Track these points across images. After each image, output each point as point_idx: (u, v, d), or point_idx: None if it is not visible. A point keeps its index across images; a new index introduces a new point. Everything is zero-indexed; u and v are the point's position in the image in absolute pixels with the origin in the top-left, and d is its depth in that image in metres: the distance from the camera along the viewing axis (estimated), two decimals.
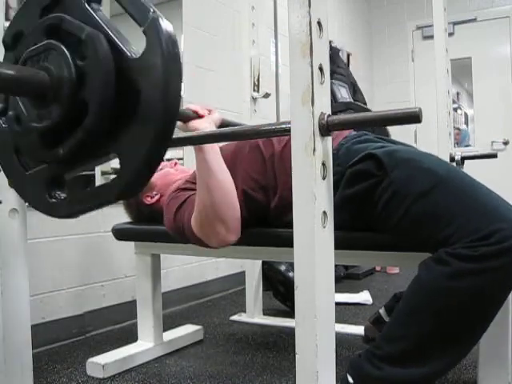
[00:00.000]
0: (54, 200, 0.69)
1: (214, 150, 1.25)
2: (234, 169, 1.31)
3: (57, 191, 0.70)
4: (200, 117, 1.32)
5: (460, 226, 1.00)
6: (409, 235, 1.11)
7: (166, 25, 0.61)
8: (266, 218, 1.39)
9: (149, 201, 1.59)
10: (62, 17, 0.66)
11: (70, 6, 0.68)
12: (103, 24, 0.64)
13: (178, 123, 1.30)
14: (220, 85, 2.75)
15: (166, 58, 0.60)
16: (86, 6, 0.66)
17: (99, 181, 2.21)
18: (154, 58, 0.60)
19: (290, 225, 0.76)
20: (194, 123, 1.29)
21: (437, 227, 1.03)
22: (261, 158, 1.35)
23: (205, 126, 1.29)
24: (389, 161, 1.12)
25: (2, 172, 0.79)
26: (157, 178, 1.60)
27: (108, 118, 0.62)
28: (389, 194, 1.11)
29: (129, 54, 0.63)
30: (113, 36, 0.64)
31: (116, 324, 2.09)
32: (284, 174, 1.30)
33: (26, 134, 0.69)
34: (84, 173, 2.36)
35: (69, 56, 0.63)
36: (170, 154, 2.38)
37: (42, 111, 0.66)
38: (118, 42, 0.63)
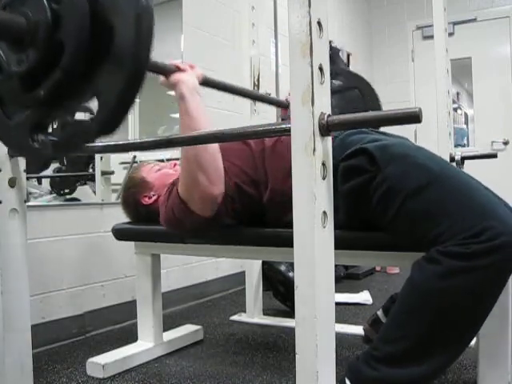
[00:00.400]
0: (37, 144, 0.71)
1: (195, 100, 1.27)
2: (226, 160, 1.33)
3: (40, 135, 0.72)
4: (181, 71, 1.32)
5: (451, 223, 1.00)
6: (404, 232, 1.11)
7: None
8: (263, 215, 1.40)
9: (147, 201, 1.59)
10: None
11: None
12: None
13: (161, 78, 1.31)
14: None
15: None
16: None
17: (99, 180, 2.21)
18: None
19: (289, 225, 0.76)
20: (176, 75, 1.29)
21: (429, 225, 1.03)
22: (250, 153, 1.38)
23: (187, 78, 1.30)
24: (381, 156, 1.12)
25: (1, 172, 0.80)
26: (155, 178, 1.61)
27: (83, 58, 0.64)
28: (383, 189, 1.11)
29: None
30: None
31: (116, 324, 2.09)
32: (275, 169, 1.32)
33: (6, 80, 0.71)
34: (84, 173, 2.36)
35: (44, 0, 0.65)
36: (170, 153, 2.38)
37: (21, 55, 0.68)
38: None
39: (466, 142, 4.88)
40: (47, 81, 0.66)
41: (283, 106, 1.93)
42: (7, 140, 0.79)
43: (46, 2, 0.65)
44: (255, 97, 1.90)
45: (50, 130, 0.74)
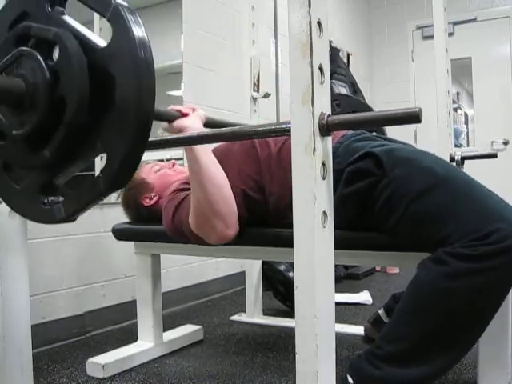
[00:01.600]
0: (48, 206, 0.70)
1: (203, 147, 1.25)
2: (228, 169, 1.31)
3: (50, 197, 0.70)
4: (184, 115, 1.32)
5: (459, 225, 1.00)
6: (408, 235, 1.11)
7: (129, 10, 0.63)
8: (267, 220, 1.39)
9: (147, 202, 1.59)
10: (28, 24, 0.68)
11: (35, 15, 0.69)
12: (69, 23, 0.66)
13: (164, 124, 1.31)
14: (220, 85, 2.75)
15: (134, 41, 0.61)
16: (50, 10, 0.68)
17: None
18: (123, 44, 0.62)
19: (289, 225, 0.76)
20: (180, 122, 1.29)
21: (435, 227, 1.03)
22: (256, 159, 1.35)
23: (190, 122, 1.29)
24: (388, 159, 1.12)
25: None
26: (155, 179, 1.60)
27: (87, 111, 0.63)
28: (388, 192, 1.11)
29: (98, 45, 0.64)
30: (79, 31, 0.66)
31: (116, 324, 2.09)
32: (282, 176, 1.30)
33: (10, 144, 0.70)
34: (84, 173, 2.36)
35: (40, 58, 0.65)
36: (170, 154, 2.38)
37: (22, 118, 0.67)
38: (86, 35, 0.65)
39: (463, 141, 4.87)
40: (52, 140, 0.65)
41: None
42: (16, 205, 0.77)
43: (42, 61, 0.64)
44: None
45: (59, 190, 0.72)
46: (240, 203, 1.31)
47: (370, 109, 2.07)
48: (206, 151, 1.26)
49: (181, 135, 1.15)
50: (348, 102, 2.11)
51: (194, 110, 1.36)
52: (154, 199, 1.58)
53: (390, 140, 1.33)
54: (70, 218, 0.69)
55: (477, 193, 1.06)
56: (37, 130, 0.66)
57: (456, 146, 4.71)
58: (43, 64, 0.64)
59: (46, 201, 0.70)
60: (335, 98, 2.18)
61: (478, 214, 1.00)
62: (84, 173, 0.73)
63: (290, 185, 1.28)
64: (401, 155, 1.15)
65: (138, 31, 0.62)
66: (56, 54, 0.64)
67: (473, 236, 0.98)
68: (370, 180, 1.14)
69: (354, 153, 1.18)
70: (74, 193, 0.69)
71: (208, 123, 1.38)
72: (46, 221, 0.72)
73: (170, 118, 1.30)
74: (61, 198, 0.70)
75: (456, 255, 0.98)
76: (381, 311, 1.75)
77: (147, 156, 2.41)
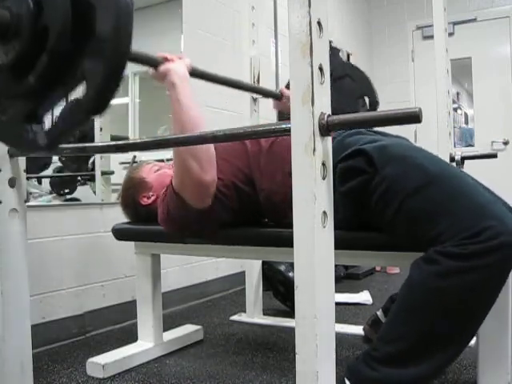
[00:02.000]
0: (31, 135, 0.72)
1: (185, 88, 1.29)
2: (223, 159, 1.34)
3: (33, 126, 0.73)
4: (169, 61, 1.32)
5: (450, 224, 1.00)
6: (402, 232, 1.11)
7: None
8: (262, 216, 1.40)
9: (145, 201, 1.59)
10: None
11: None
12: None
13: (149, 70, 1.32)
14: (220, 85, 2.74)
15: None
16: None
17: (99, 180, 2.21)
18: None
19: (289, 225, 0.76)
20: (165, 65, 1.30)
21: (428, 225, 1.04)
22: (245, 154, 1.38)
23: (176, 67, 1.30)
24: (379, 157, 1.12)
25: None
26: (154, 178, 1.61)
27: (68, 39, 0.65)
28: (381, 190, 1.11)
29: None
30: None
31: (116, 324, 2.09)
32: (272, 171, 1.32)
33: None
34: (84, 173, 2.36)
35: None
36: (170, 153, 2.38)
37: (7, 47, 0.69)
38: None
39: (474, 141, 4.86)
40: (36, 66, 0.68)
41: (275, 97, 1.91)
42: (2, 136, 0.80)
43: None
44: (245, 87, 1.89)
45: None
46: (231, 195, 1.34)
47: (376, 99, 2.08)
48: (187, 91, 1.29)
49: (180, 135, 1.15)
50: (363, 79, 2.11)
51: (180, 58, 1.37)
52: (152, 198, 1.59)
53: (383, 134, 1.32)
54: (52, 144, 0.72)
55: (468, 190, 1.06)
56: (21, 58, 0.68)
57: (470, 145, 4.72)
58: None
59: (29, 129, 0.73)
60: (348, 71, 2.17)
61: (469, 211, 1.01)
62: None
63: (281, 180, 1.29)
64: (393, 152, 1.14)
65: None
66: None
67: (464, 234, 0.98)
68: (362, 178, 1.14)
69: (346, 148, 1.18)
70: (57, 120, 0.71)
71: (194, 72, 1.40)
72: (30, 148, 0.75)
73: (155, 64, 1.31)
74: (45, 127, 0.72)
75: (446, 254, 0.98)
76: (379, 312, 1.75)
77: (147, 156, 2.41)
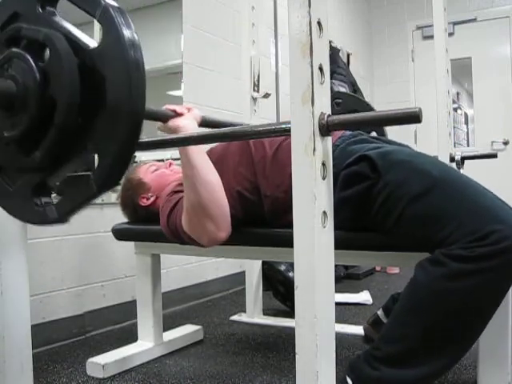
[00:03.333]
0: (41, 208, 0.70)
1: (198, 149, 1.24)
2: (224, 170, 1.31)
3: (42, 198, 0.70)
4: (179, 115, 1.31)
5: (456, 227, 1.00)
6: (405, 237, 1.11)
7: (118, 10, 0.63)
8: (264, 222, 1.39)
9: (144, 202, 1.59)
10: (18, 26, 0.68)
11: (26, 15, 0.69)
12: (59, 24, 0.66)
13: (158, 124, 1.31)
14: (220, 85, 2.75)
15: (124, 42, 0.61)
16: (41, 11, 0.68)
17: None
18: (112, 44, 0.62)
19: (289, 225, 0.76)
20: (175, 121, 1.29)
21: (433, 229, 1.03)
22: (250, 160, 1.35)
23: (185, 122, 1.29)
24: (383, 163, 1.12)
25: None
26: (152, 179, 1.61)
27: (77, 112, 0.63)
28: (384, 196, 1.10)
29: (88, 45, 0.64)
30: (70, 31, 0.66)
31: (116, 324, 2.09)
32: (277, 178, 1.29)
33: (2, 146, 0.70)
34: (84, 173, 2.36)
35: (30, 59, 0.65)
36: (170, 153, 2.38)
37: (14, 119, 0.67)
38: (76, 36, 0.65)
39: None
40: (43, 141, 0.65)
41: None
42: (10, 208, 0.77)
43: (32, 63, 0.65)
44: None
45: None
46: (235, 204, 1.31)
47: (370, 107, 2.07)
48: (199, 153, 1.25)
49: (180, 135, 1.15)
50: (349, 100, 2.11)
51: (189, 109, 1.35)
52: (151, 199, 1.58)
53: (387, 142, 1.32)
54: (62, 218, 0.69)
55: (474, 194, 1.05)
56: (28, 131, 0.66)
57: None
58: (33, 65, 0.64)
59: (38, 202, 0.70)
60: (335, 96, 2.18)
61: (475, 215, 1.00)
62: (76, 173, 0.73)
63: (285, 187, 1.28)
64: (396, 158, 1.14)
65: (128, 32, 0.62)
66: (47, 56, 0.64)
67: (470, 237, 0.98)
68: (365, 183, 1.13)
69: (349, 156, 1.18)
70: (67, 194, 0.69)
71: (204, 123, 1.38)
72: (39, 222, 0.72)
73: (164, 118, 1.29)
74: (54, 199, 0.70)
75: (453, 256, 0.98)
76: (380, 312, 1.74)
77: (147, 156, 2.41)
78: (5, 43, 0.69)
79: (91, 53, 0.64)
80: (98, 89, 0.62)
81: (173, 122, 1.29)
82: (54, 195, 0.72)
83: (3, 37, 0.70)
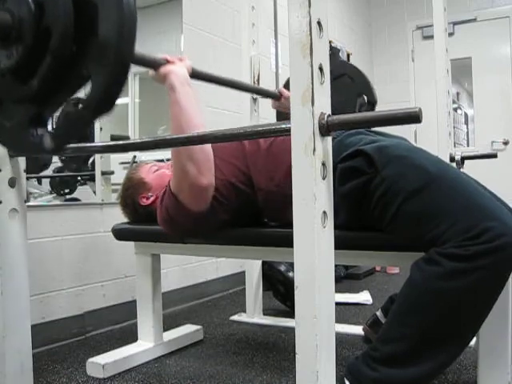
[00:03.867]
0: (37, 139, 0.71)
1: (185, 90, 1.28)
2: (218, 161, 1.34)
3: (39, 129, 0.72)
4: (170, 63, 1.32)
5: (450, 225, 1.00)
6: (402, 233, 1.11)
7: None
8: (259, 215, 1.40)
9: (144, 202, 1.60)
10: None
11: None
12: None
13: (150, 71, 1.31)
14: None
15: None
16: None
17: (99, 180, 2.21)
18: None
19: (286, 221, 0.76)
20: (166, 67, 1.29)
21: (429, 226, 1.03)
22: (243, 153, 1.38)
23: (177, 69, 1.30)
24: (379, 158, 1.12)
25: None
26: (152, 179, 1.61)
27: (71, 40, 0.65)
28: (381, 191, 1.11)
29: None
30: None
31: (116, 324, 2.09)
32: (270, 171, 1.31)
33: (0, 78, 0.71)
34: (84, 173, 2.36)
35: None
36: (170, 154, 2.38)
37: (10, 50, 0.68)
38: None
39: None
40: (40, 69, 0.67)
41: (273, 97, 1.91)
42: (6, 141, 0.79)
43: None
44: (245, 87, 1.88)
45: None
46: (231, 196, 1.34)
47: (375, 98, 2.09)
48: (187, 95, 1.28)
49: (180, 135, 1.15)
50: (359, 80, 2.11)
51: (181, 59, 1.37)
52: (151, 199, 1.59)
53: (384, 135, 1.32)
54: (59, 147, 0.71)
55: (468, 191, 1.06)
56: (24, 61, 0.67)
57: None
58: None
59: (34, 133, 0.72)
60: (348, 69, 2.17)
61: (469, 212, 1.01)
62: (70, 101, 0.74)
63: (278, 181, 1.28)
64: (393, 153, 1.14)
65: None
66: None
67: (464, 236, 0.98)
68: (362, 179, 1.13)
69: (346, 149, 1.18)
70: (62, 122, 0.70)
71: (194, 74, 1.40)
72: (35, 152, 0.74)
73: (155, 65, 1.30)
74: (49, 130, 0.71)
75: (448, 255, 0.98)
76: (378, 313, 1.74)
77: (147, 156, 2.40)
78: None
79: None
80: (90, 18, 0.64)
81: (163, 68, 1.29)
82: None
83: None
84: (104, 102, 0.66)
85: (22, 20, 0.66)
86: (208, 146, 1.30)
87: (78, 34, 0.65)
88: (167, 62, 1.31)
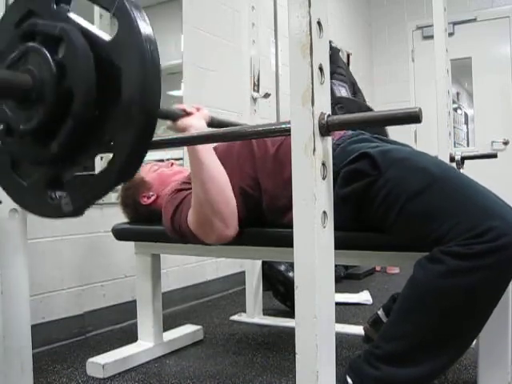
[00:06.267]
0: (55, 202, 0.70)
1: (206, 147, 1.26)
2: (228, 167, 1.32)
3: (57, 192, 0.70)
4: (188, 114, 1.32)
5: (454, 224, 1.00)
6: (405, 234, 1.11)
7: (134, 5, 0.64)
8: (263, 219, 1.40)
9: (145, 201, 1.60)
10: (34, 21, 0.69)
11: (40, 13, 0.70)
12: (74, 19, 0.67)
13: (167, 122, 1.32)
14: (220, 85, 2.74)
15: (140, 35, 0.62)
16: (55, 8, 0.68)
17: None
18: (128, 37, 0.62)
19: (288, 224, 0.76)
20: (183, 120, 1.30)
21: (431, 226, 1.04)
22: (252, 156, 1.36)
23: (194, 122, 1.29)
24: (383, 160, 1.13)
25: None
26: (153, 178, 1.61)
27: (94, 103, 0.63)
28: (384, 192, 1.11)
29: (103, 39, 0.65)
30: (85, 26, 0.66)
31: (116, 324, 2.09)
32: (277, 174, 1.31)
33: (18, 140, 0.70)
34: (84, 173, 2.36)
35: (46, 52, 0.65)
36: (170, 153, 2.38)
37: (30, 112, 0.67)
38: (91, 30, 0.66)
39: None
40: (60, 132, 0.65)
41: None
42: (25, 202, 0.77)
43: (48, 56, 0.65)
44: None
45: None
46: (240, 203, 1.32)
47: (371, 109, 2.08)
48: (208, 151, 1.26)
49: (182, 135, 1.15)
50: (350, 104, 2.11)
51: (198, 109, 1.37)
52: (152, 198, 1.59)
53: (388, 141, 1.33)
54: (78, 211, 0.70)
55: (472, 191, 1.06)
56: (44, 123, 0.66)
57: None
58: (49, 58, 0.65)
59: (53, 196, 0.70)
60: (337, 101, 2.18)
61: (472, 212, 1.01)
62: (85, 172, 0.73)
63: (284, 184, 1.28)
64: (396, 156, 1.15)
65: (145, 26, 0.63)
66: (63, 50, 0.65)
67: (468, 234, 0.98)
68: (366, 181, 1.14)
69: (350, 154, 1.19)
70: (82, 186, 0.69)
71: (212, 123, 1.39)
72: (54, 215, 0.73)
73: (174, 117, 1.30)
74: (67, 194, 0.70)
75: (451, 254, 0.99)
76: (380, 312, 1.74)
77: (147, 156, 2.40)
78: (20, 39, 0.69)
79: (107, 46, 0.64)
80: (113, 80, 0.63)
81: (182, 121, 1.30)
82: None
83: (19, 33, 0.70)
84: (129, 165, 0.65)
85: (42, 82, 0.65)
86: (230, 194, 1.27)
87: (101, 96, 0.63)
88: (185, 112, 1.31)
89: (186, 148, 2.38)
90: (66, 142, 0.65)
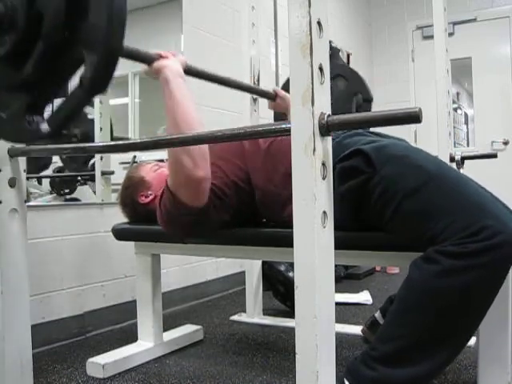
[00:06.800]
0: (33, 126, 0.72)
1: (179, 83, 1.27)
2: (221, 161, 1.35)
3: (34, 117, 0.72)
4: (164, 58, 1.32)
5: (449, 223, 1.01)
6: (401, 232, 1.11)
7: None
8: (257, 215, 1.41)
9: (143, 200, 1.60)
10: None
11: None
12: None
13: (143, 66, 1.31)
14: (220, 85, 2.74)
15: None
16: None
17: (99, 180, 2.21)
18: None
19: (283, 220, 0.76)
20: (159, 62, 1.29)
21: (427, 224, 1.04)
22: (242, 153, 1.39)
23: (169, 63, 1.29)
24: (378, 157, 1.12)
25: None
26: (153, 177, 1.61)
27: (63, 24, 0.65)
28: (380, 190, 1.11)
29: None
30: None
31: (116, 324, 2.09)
32: (269, 171, 1.32)
33: None
34: (84, 173, 2.36)
35: None
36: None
37: (3, 38, 0.69)
38: None
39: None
40: (32, 54, 0.67)
41: (269, 98, 1.91)
42: (3, 132, 0.79)
43: None
44: (240, 86, 1.88)
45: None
46: (232, 194, 1.35)
47: (371, 95, 2.09)
48: (181, 88, 1.27)
49: (182, 135, 1.15)
50: (354, 79, 2.11)
51: (174, 54, 1.36)
52: (150, 197, 1.59)
53: (383, 135, 1.32)
54: (56, 132, 0.71)
55: (467, 190, 1.06)
56: (17, 47, 0.68)
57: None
58: None
59: (31, 120, 0.72)
60: (341, 71, 2.15)
61: (467, 211, 1.01)
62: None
63: (277, 182, 1.29)
64: (391, 152, 1.15)
65: None
66: None
67: (462, 233, 0.98)
68: (361, 178, 1.14)
69: (344, 149, 1.18)
70: (57, 109, 0.71)
71: (190, 70, 1.40)
72: (33, 138, 0.75)
73: (149, 60, 1.30)
74: (45, 116, 0.72)
75: (446, 253, 0.99)
76: (377, 314, 1.74)
77: (147, 156, 2.40)
78: None
79: None
80: (82, 2, 0.65)
81: (157, 63, 1.29)
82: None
83: None
84: (98, 80, 0.66)
85: (14, 8, 0.67)
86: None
87: (70, 19, 0.65)
88: (161, 57, 1.31)
89: None
90: (39, 63, 0.68)
